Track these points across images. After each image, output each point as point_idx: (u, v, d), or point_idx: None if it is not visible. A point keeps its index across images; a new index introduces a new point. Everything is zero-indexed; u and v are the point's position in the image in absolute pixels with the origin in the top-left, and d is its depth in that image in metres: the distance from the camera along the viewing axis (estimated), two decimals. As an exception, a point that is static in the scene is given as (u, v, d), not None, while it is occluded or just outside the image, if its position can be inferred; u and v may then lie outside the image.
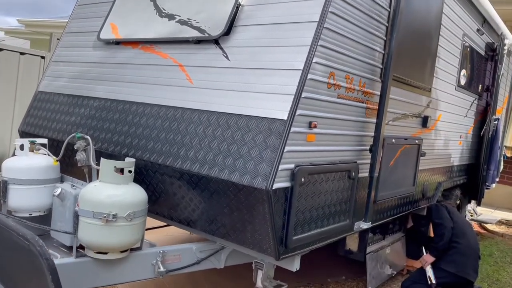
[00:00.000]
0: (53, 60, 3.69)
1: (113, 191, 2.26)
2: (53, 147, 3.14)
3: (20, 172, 2.75)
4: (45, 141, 2.96)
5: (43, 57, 4.84)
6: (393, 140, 3.22)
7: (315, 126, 2.32)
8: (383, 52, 2.91)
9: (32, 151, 2.89)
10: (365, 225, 2.91)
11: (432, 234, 4.37)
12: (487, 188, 5.76)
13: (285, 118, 2.17)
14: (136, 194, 2.33)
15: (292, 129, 2.17)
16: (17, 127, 4.68)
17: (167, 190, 2.60)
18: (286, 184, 2.20)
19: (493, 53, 5.52)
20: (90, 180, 2.80)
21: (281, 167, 2.13)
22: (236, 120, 2.36)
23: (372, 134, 2.91)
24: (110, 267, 2.34)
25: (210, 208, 2.43)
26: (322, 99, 2.37)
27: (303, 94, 2.20)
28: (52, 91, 3.50)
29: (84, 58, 3.39)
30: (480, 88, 5.34)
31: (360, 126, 2.80)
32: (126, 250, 2.36)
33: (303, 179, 2.27)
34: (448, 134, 4.53)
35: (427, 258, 3.88)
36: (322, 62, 2.31)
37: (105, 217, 2.17)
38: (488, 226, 6.55)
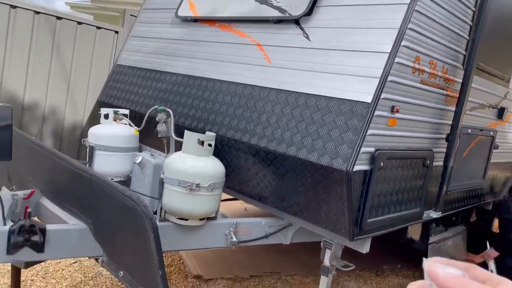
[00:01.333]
0: (131, 35, 3.86)
1: (196, 162, 2.38)
2: (131, 118, 3.32)
3: (106, 139, 2.94)
4: (126, 111, 3.14)
5: (116, 32, 5.05)
6: (469, 130, 3.12)
7: (397, 111, 2.30)
8: (468, 38, 2.80)
9: (115, 120, 3.08)
10: (435, 215, 2.87)
11: (496, 230, 4.23)
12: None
13: (369, 101, 2.17)
14: (216, 166, 2.44)
15: (376, 112, 2.17)
16: (92, 98, 4.97)
17: (241, 166, 2.69)
18: (365, 167, 2.21)
19: None
20: (168, 151, 2.96)
21: (362, 150, 2.14)
22: (315, 100, 2.38)
23: (450, 122, 2.83)
24: (189, 233, 2.48)
25: (283, 185, 2.49)
26: (406, 84, 2.34)
27: (389, 78, 2.18)
28: (130, 64, 3.68)
29: (162, 34, 3.52)
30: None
31: (439, 113, 2.74)
32: (203, 219, 2.49)
33: (382, 163, 2.27)
34: (523, 128, 4.30)
35: (491, 253, 3.78)
36: (409, 45, 2.26)
37: (189, 185, 2.30)
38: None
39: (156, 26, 3.65)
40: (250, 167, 2.66)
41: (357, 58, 2.30)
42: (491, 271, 3.63)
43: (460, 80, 2.81)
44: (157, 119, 2.85)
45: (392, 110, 2.28)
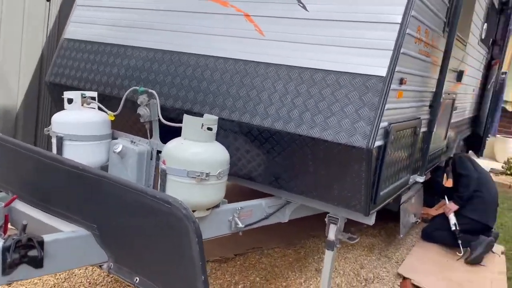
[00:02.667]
0: (78, 4, 3.35)
1: (202, 149, 2.17)
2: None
3: (77, 128, 2.57)
4: (94, 94, 2.76)
5: (48, 0, 4.36)
6: (443, 96, 3.25)
7: (404, 83, 2.29)
8: (448, 5, 2.86)
9: (83, 104, 2.69)
10: (420, 179, 3.01)
11: (449, 184, 4.61)
12: (486, 139, 6.06)
13: (384, 74, 2.12)
14: (222, 152, 2.25)
15: (391, 86, 2.13)
16: (24, 77, 4.31)
17: (242, 149, 2.53)
18: (381, 142, 2.20)
19: (502, 6, 5.58)
20: (151, 136, 2.68)
21: (380, 125, 2.11)
22: (323, 76, 2.28)
23: (432, 89, 2.92)
24: (196, 225, 2.30)
25: (292, 166, 2.39)
26: (411, 55, 2.33)
27: (402, 50, 2.14)
28: (85, 39, 3.21)
29: (128, 3, 3.09)
30: (490, 41, 5.44)
31: (426, 82, 2.80)
32: (209, 208, 2.32)
33: (393, 136, 2.27)
34: (468, 88, 4.65)
35: (451, 207, 4.11)
36: (416, 15, 2.23)
37: (198, 175, 2.10)
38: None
39: (111, -8, 3.20)
40: (250, 149, 2.51)
41: (366, 30, 2.21)
42: (454, 224, 3.96)
43: (440, 47, 2.88)
44: (138, 102, 2.54)
45: (401, 82, 2.27)
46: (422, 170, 3.01)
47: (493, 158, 8.41)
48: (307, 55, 2.36)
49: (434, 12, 2.58)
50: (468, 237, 3.93)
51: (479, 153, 6.02)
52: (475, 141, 5.92)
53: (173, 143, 2.23)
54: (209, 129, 2.27)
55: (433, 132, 2.97)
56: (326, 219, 2.61)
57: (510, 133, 8.72)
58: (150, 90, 2.53)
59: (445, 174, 4.69)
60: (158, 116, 2.50)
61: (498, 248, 4.21)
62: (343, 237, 2.61)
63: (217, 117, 2.29)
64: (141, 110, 2.57)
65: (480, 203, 4.02)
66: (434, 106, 2.89)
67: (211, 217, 2.37)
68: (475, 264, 3.81)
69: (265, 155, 2.46)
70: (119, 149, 2.57)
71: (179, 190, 2.15)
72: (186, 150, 2.14)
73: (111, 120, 2.71)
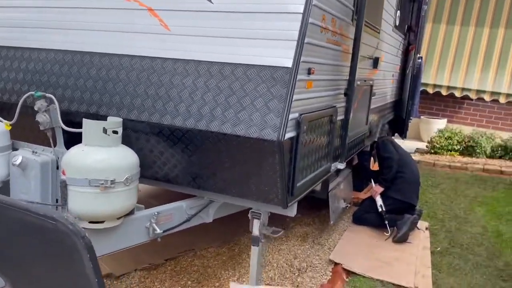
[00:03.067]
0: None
1: (105, 154, 2.02)
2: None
3: (-33, 141, 2.31)
4: (-14, 102, 2.49)
5: None
6: (358, 83, 3.33)
7: (313, 73, 2.29)
8: (355, -7, 2.90)
9: (-27, 115, 2.42)
10: (341, 166, 3.06)
11: (374, 167, 4.78)
12: (409, 121, 6.37)
13: (290, 65, 2.09)
14: (129, 156, 2.12)
15: (298, 77, 2.11)
16: None
17: (154, 150, 2.41)
18: (293, 134, 2.18)
19: (415, -6, 5.87)
20: (55, 145, 2.47)
21: (290, 116, 2.08)
22: (231, 69, 2.21)
23: (346, 77, 2.97)
24: (107, 235, 2.15)
25: (206, 164, 2.32)
26: (317, 44, 2.33)
27: (306, 40, 2.13)
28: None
29: (19, 2, 2.82)
30: (406, 28, 5.70)
31: (339, 70, 2.83)
32: (121, 217, 2.18)
33: (305, 127, 2.26)
34: (387, 74, 4.83)
35: (377, 189, 4.26)
36: (318, 4, 2.23)
37: (102, 184, 1.95)
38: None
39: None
40: (164, 150, 2.39)
41: (270, 21, 2.17)
42: (380, 205, 4.11)
43: (350, 35, 2.93)
44: (36, 108, 2.32)
45: (309, 72, 2.26)
46: (342, 157, 3.06)
47: (419, 138, 8.90)
48: (214, 49, 2.28)
49: (340, 1, 2.60)
50: (394, 217, 4.09)
51: (403, 135, 6.32)
52: (399, 124, 6.21)
53: (73, 151, 2.07)
54: (115, 132, 2.13)
55: (350, 119, 3.02)
56: (249, 215, 2.56)
57: (433, 114, 9.28)
58: (47, 95, 2.32)
59: (372, 158, 4.86)
60: (59, 122, 2.31)
61: (422, 224, 4.43)
62: (267, 231, 2.58)
63: (121, 119, 2.15)
64: (40, 117, 2.35)
65: (403, 183, 4.20)
66: (349, 93, 2.94)
67: (124, 226, 2.24)
68: (402, 242, 3.98)
69: (180, 155, 2.36)
70: (18, 161, 2.35)
71: (83, 201, 2.00)
72: (86, 157, 1.99)
73: (8, 130, 2.47)
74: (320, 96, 2.52)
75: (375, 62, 3.93)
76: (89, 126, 2.03)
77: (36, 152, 2.42)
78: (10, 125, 2.44)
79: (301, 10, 2.12)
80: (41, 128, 2.37)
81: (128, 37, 2.49)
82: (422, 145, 8.04)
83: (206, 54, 2.29)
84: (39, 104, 2.33)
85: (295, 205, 2.53)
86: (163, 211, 2.43)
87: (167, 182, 2.50)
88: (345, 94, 2.97)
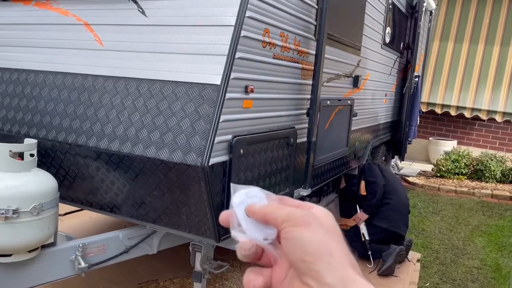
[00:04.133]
0: None
1: (10, 181, 1.83)
2: None
3: None
4: None
5: None
6: (328, 102, 3.09)
7: (251, 91, 2.07)
8: (316, 7, 2.70)
9: None
10: (305, 192, 2.79)
11: (363, 193, 4.46)
12: (409, 143, 6.03)
13: (218, 82, 1.88)
14: (42, 182, 1.93)
15: (227, 95, 1.89)
16: None
17: (82, 173, 2.22)
18: (224, 158, 1.94)
19: (412, 11, 5.62)
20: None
21: (217, 139, 1.86)
22: (160, 87, 2.02)
23: (309, 96, 2.73)
24: (17, 270, 1.95)
25: (136, 191, 2.11)
26: (258, 60, 2.11)
27: (237, 54, 1.92)
28: None
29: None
30: (401, 46, 5.44)
31: (297, 88, 2.61)
32: (36, 249, 1.98)
33: (241, 151, 2.03)
34: (376, 93, 4.56)
35: (361, 216, 3.94)
36: (255, 16, 2.02)
37: (2, 213, 1.76)
38: (410, 178, 6.95)
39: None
40: (93, 174, 2.20)
41: (200, 35, 1.98)
42: (363, 234, 3.79)
43: (314, 52, 2.71)
44: (-43, 129, 2.18)
45: (246, 90, 2.04)
46: (307, 183, 2.80)
47: (428, 161, 8.48)
48: (146, 65, 2.10)
49: (293, 14, 2.40)
50: (379, 247, 3.76)
51: (401, 157, 5.98)
52: (398, 146, 5.88)
53: (-21, 176, 1.89)
54: (31, 155, 1.95)
55: (316, 141, 2.77)
56: (190, 248, 2.32)
57: (442, 135, 8.86)
58: (-30, 115, 2.18)
59: (362, 183, 4.55)
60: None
61: (414, 255, 4.07)
62: (210, 266, 2.33)
63: (36, 141, 1.97)
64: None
65: (389, 210, 3.88)
66: (310, 113, 2.70)
67: (42, 258, 2.03)
68: (388, 276, 3.64)
69: (109, 180, 2.16)
70: None
71: (-17, 232, 1.80)
72: (-13, 183, 1.81)
73: None
74: (267, 116, 2.29)
75: (355, 80, 3.68)
76: (-4, 149, 1.86)
77: (-39, 176, 2.27)
78: None
79: (232, 23, 1.92)
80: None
81: (63, 53, 2.35)
82: (431, 168, 7.63)
83: (136, 71, 2.11)
84: (-39, 125, 2.19)
85: (238, 238, 2.27)
86: (92, 242, 2.21)
87: (100, 208, 2.29)
88: (307, 114, 2.72)
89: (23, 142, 2.01)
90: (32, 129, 2.27)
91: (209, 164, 1.83)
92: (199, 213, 1.97)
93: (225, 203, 2.00)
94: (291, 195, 2.71)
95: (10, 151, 1.85)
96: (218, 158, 1.89)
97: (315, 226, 0.41)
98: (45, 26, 2.43)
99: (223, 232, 2.03)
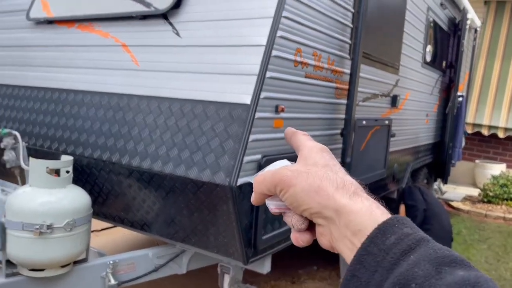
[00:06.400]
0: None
1: (46, 197, 1.89)
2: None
3: None
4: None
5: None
6: (364, 122, 3.00)
7: (282, 110, 2.04)
8: (351, 26, 2.65)
9: None
10: (338, 215, 2.68)
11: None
12: (452, 166, 5.75)
13: (248, 102, 1.87)
14: (76, 198, 1.97)
15: (257, 114, 1.87)
16: None
17: (115, 190, 2.25)
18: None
19: (455, 29, 5.44)
20: (24, 183, 2.41)
21: (246, 159, 1.83)
22: (191, 106, 2.03)
23: (343, 116, 2.67)
24: (49, 285, 1.98)
25: (165, 209, 2.11)
26: (289, 79, 2.09)
27: (268, 74, 1.91)
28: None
29: (10, 41, 2.92)
30: (444, 64, 5.26)
31: (330, 108, 2.55)
32: (68, 264, 2.01)
33: (271, 171, 1.99)
34: (416, 113, 4.40)
35: (400, 242, 3.75)
36: (287, 36, 2.01)
37: (37, 228, 1.81)
38: (454, 203, 6.60)
39: (2, 31, 3.03)
40: (125, 191, 2.23)
41: (232, 54, 1.99)
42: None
43: (348, 71, 2.66)
44: (2, 146, 2.29)
45: (277, 109, 2.01)
46: (341, 205, 2.69)
47: (475, 185, 8.04)
48: (178, 84, 2.13)
49: (327, 34, 2.37)
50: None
51: (443, 180, 5.69)
52: (441, 168, 5.62)
53: (18, 192, 1.96)
54: (67, 172, 2.01)
55: (351, 162, 2.68)
56: (218, 269, 2.29)
57: (489, 158, 8.41)
58: (13, 132, 2.29)
59: (401, 207, 4.36)
60: (20, 160, 2.25)
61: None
62: (239, 288, 2.27)
63: (71, 158, 2.03)
64: (6, 155, 2.32)
65: (430, 236, 3.66)
66: (345, 134, 2.62)
67: (73, 275, 2.06)
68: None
69: (141, 197, 2.18)
70: (-16, 199, 2.29)
71: (19, 246, 1.86)
72: (23, 199, 1.87)
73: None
74: (298, 136, 2.24)
75: (394, 100, 3.57)
76: (33, 166, 1.93)
77: (4, 191, 2.37)
78: (-18, 162, 2.43)
79: (264, 43, 1.91)
80: (8, 166, 2.33)
81: (102, 74, 2.43)
82: (477, 193, 7.22)
83: (169, 90, 2.14)
84: (6, 142, 2.30)
85: (267, 261, 2.22)
86: (123, 260, 2.23)
87: (131, 226, 2.31)
88: (341, 134, 2.65)
89: (60, 159, 2.07)
90: (70, 147, 2.34)
91: (237, 184, 1.80)
92: (227, 233, 1.94)
93: (254, 224, 1.95)
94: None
95: (47, 167, 1.91)
96: (247, 178, 1.86)
97: (300, 179, 0.48)
98: (86, 48, 2.53)
99: (251, 254, 1.98)
